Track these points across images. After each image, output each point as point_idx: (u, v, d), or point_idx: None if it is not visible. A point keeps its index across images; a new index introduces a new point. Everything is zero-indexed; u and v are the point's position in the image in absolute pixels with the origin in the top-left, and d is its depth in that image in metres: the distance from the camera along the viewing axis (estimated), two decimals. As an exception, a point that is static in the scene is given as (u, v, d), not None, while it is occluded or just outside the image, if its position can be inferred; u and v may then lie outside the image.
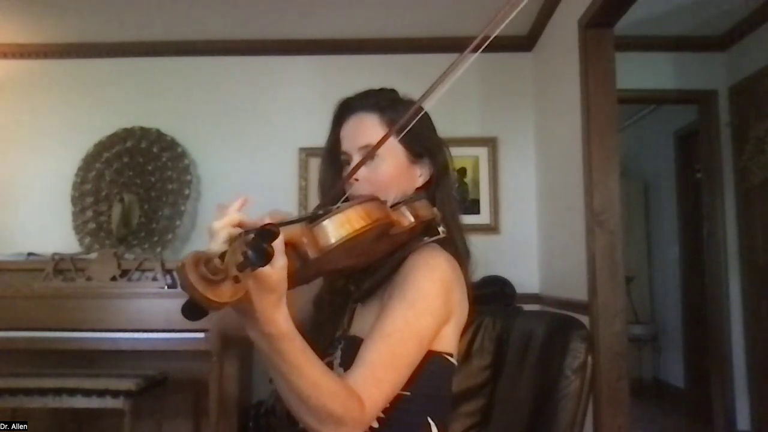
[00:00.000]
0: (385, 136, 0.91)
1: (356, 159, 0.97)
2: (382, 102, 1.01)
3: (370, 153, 0.93)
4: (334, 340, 1.00)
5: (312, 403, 0.73)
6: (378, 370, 0.80)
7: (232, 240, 0.64)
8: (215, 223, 0.68)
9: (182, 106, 3.36)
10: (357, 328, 0.97)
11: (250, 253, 0.57)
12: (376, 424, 0.87)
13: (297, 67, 3.38)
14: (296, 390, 0.72)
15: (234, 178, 3.29)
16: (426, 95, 0.86)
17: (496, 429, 1.16)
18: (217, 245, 0.65)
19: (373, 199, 0.84)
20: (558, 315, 1.23)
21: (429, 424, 0.91)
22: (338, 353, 0.95)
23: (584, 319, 2.30)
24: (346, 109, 1.03)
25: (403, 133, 0.96)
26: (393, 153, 0.99)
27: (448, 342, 0.93)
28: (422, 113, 0.96)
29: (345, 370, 0.86)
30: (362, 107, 1.01)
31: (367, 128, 0.98)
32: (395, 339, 0.83)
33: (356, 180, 0.94)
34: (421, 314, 0.85)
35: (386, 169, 0.97)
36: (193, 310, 0.58)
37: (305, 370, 0.72)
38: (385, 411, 0.85)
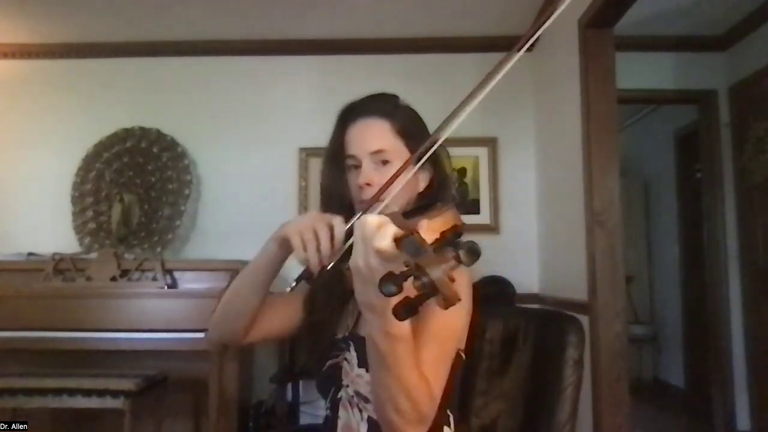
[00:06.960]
0: (406, 162, 0.92)
1: (367, 163, 0.99)
2: (390, 108, 1.03)
3: (393, 175, 0.91)
4: (337, 341, 1.01)
5: (411, 403, 0.76)
6: (434, 368, 0.84)
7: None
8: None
9: (182, 106, 3.36)
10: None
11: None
12: None
13: (297, 67, 3.37)
14: (402, 390, 0.75)
15: (234, 178, 3.29)
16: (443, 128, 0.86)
17: (484, 423, 1.18)
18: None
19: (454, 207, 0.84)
20: (548, 311, 1.24)
21: (448, 415, 0.98)
22: (352, 354, 0.96)
23: (584, 319, 2.30)
24: (352, 113, 1.03)
25: (405, 138, 0.99)
26: (403, 158, 1.00)
27: (462, 337, 0.97)
28: (437, 138, 0.95)
29: (368, 371, 0.88)
30: (370, 112, 1.02)
31: (378, 134, 1.00)
32: (442, 337, 0.87)
33: (368, 185, 0.96)
34: (458, 312, 0.90)
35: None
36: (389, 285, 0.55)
37: (413, 372, 0.76)
38: None
